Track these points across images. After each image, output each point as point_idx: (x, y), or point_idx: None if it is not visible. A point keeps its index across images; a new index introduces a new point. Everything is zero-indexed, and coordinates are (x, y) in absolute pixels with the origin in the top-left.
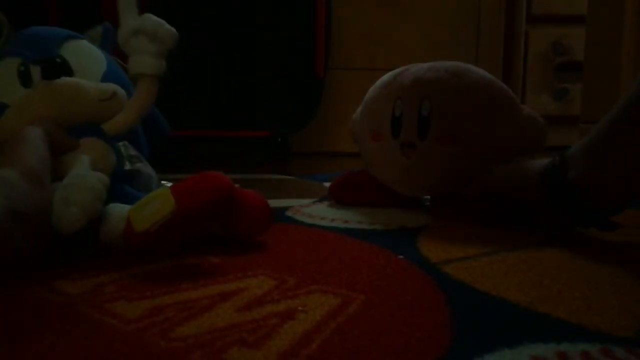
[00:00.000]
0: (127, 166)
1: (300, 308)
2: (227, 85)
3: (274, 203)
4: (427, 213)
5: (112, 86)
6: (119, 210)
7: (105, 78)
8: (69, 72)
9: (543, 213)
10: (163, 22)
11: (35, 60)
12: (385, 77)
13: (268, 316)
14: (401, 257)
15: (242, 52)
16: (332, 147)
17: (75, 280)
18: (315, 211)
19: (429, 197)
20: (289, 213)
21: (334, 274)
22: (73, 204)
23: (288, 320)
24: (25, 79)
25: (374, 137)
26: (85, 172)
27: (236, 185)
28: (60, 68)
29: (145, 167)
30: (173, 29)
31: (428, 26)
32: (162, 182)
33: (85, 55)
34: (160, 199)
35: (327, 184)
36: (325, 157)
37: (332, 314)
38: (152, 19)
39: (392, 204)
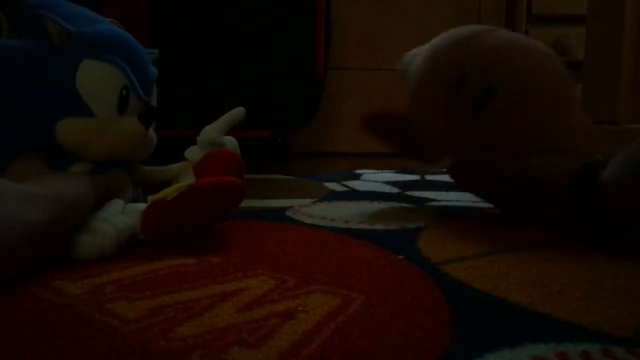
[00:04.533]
0: (141, 198)
1: (300, 308)
2: (227, 85)
3: (274, 203)
4: (427, 213)
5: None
6: (138, 206)
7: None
8: (158, 118)
9: (561, 208)
10: (236, 145)
11: (136, 92)
12: (457, 33)
13: (268, 316)
14: (401, 257)
15: (242, 53)
16: (332, 147)
17: (75, 280)
18: (315, 211)
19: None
20: (289, 213)
21: (334, 274)
22: (99, 235)
23: (288, 320)
24: (122, 106)
25: (432, 90)
26: (118, 213)
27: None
28: (156, 117)
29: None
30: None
31: (428, 26)
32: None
33: None
34: (182, 184)
35: (327, 184)
36: (325, 157)
37: (332, 314)
38: (232, 143)
39: (414, 155)
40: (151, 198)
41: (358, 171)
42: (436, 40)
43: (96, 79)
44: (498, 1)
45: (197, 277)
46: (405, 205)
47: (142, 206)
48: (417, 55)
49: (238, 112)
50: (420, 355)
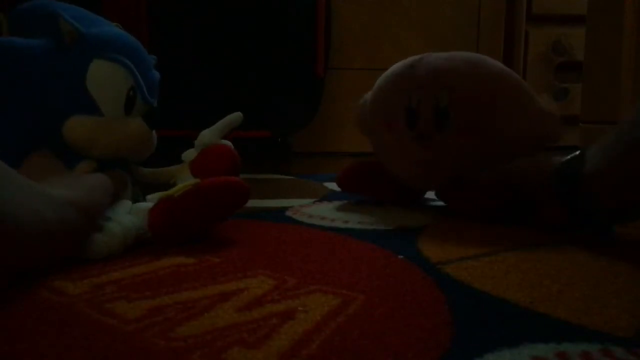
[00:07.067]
0: (140, 198)
1: (300, 308)
2: (227, 85)
3: (274, 203)
4: (427, 213)
5: None
6: (145, 205)
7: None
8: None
9: (551, 210)
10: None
11: (142, 93)
12: (398, 67)
13: (268, 316)
14: (401, 257)
15: (242, 52)
16: (332, 147)
17: (75, 280)
18: (315, 211)
19: (436, 197)
20: (289, 213)
21: (334, 274)
22: (107, 234)
23: (288, 320)
24: (129, 106)
25: (388, 127)
26: (125, 212)
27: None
28: (158, 118)
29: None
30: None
31: (428, 26)
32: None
33: None
34: (187, 183)
35: (327, 184)
36: (325, 157)
37: (332, 314)
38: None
39: (397, 197)
40: (156, 196)
41: None
42: (380, 80)
43: (105, 79)
44: (498, 1)
45: (197, 277)
46: (405, 205)
47: (149, 205)
48: (364, 100)
49: (236, 116)
50: (420, 355)
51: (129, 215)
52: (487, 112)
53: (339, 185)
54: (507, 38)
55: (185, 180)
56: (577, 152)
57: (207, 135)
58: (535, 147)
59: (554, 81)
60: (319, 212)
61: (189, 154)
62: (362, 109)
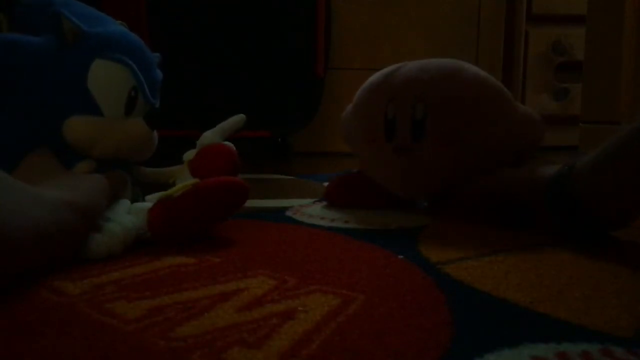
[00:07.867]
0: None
1: (300, 308)
2: (227, 85)
3: (274, 203)
4: (426, 213)
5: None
6: (145, 205)
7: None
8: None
9: (543, 221)
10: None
11: (144, 93)
12: (375, 77)
13: (268, 316)
14: (401, 257)
15: (242, 52)
16: (332, 147)
17: (75, 280)
18: (315, 211)
19: (426, 199)
20: (289, 213)
21: (334, 274)
22: (107, 235)
23: (288, 320)
24: (130, 107)
25: (368, 140)
26: (124, 212)
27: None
28: (158, 120)
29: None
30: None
31: (428, 26)
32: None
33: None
34: (186, 183)
35: (327, 184)
36: (325, 157)
37: (332, 314)
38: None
39: (388, 206)
40: (155, 196)
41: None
42: (359, 92)
43: (107, 79)
44: (498, 1)
45: (197, 277)
46: (405, 205)
47: (148, 205)
48: (346, 113)
49: (238, 118)
50: (420, 355)
51: (129, 216)
52: (463, 121)
53: (328, 198)
54: (507, 38)
55: (185, 180)
56: (565, 167)
57: (209, 137)
58: (518, 152)
59: (554, 81)
60: (319, 212)
61: (190, 155)
62: (344, 123)
